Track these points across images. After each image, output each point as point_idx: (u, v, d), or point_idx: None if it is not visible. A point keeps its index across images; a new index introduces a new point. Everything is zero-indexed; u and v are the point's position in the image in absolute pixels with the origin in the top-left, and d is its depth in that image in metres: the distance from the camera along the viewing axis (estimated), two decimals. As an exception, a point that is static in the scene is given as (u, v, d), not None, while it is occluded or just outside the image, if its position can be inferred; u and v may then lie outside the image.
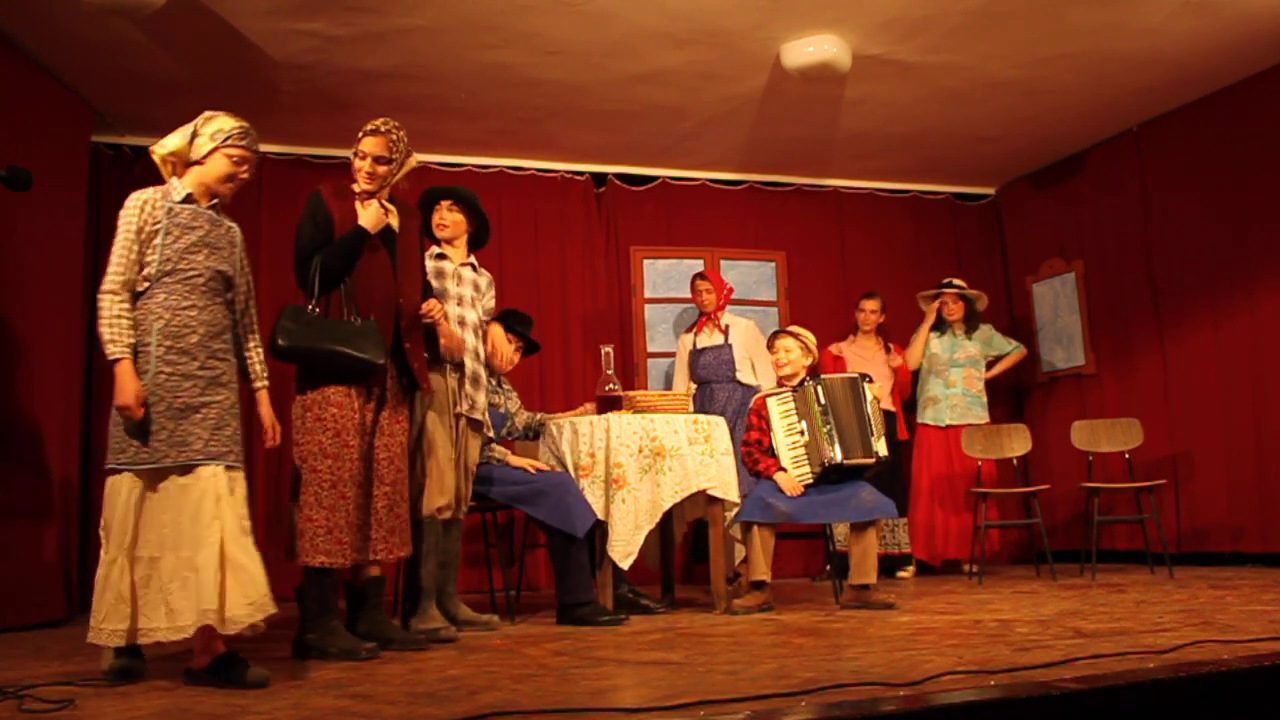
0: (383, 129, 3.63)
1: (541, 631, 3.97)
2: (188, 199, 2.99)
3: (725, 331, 5.90)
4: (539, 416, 4.95)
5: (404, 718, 2.22)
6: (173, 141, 3.04)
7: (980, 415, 6.30)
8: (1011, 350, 6.56)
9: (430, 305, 3.78)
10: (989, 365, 6.51)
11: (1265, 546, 5.58)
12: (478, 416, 4.15)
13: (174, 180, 3.03)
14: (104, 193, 5.89)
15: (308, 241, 3.54)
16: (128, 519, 2.81)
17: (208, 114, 3.08)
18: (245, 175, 3.09)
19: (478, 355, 4.21)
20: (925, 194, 7.58)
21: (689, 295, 6.25)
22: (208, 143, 3.03)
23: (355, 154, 3.66)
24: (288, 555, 3.42)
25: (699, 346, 5.92)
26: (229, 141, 3.02)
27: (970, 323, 6.46)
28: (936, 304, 6.46)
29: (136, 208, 2.96)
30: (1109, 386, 6.67)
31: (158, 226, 2.94)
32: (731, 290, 6.09)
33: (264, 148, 6.15)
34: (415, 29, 4.96)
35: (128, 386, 2.83)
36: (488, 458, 4.37)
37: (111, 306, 2.96)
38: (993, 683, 2.29)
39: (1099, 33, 5.20)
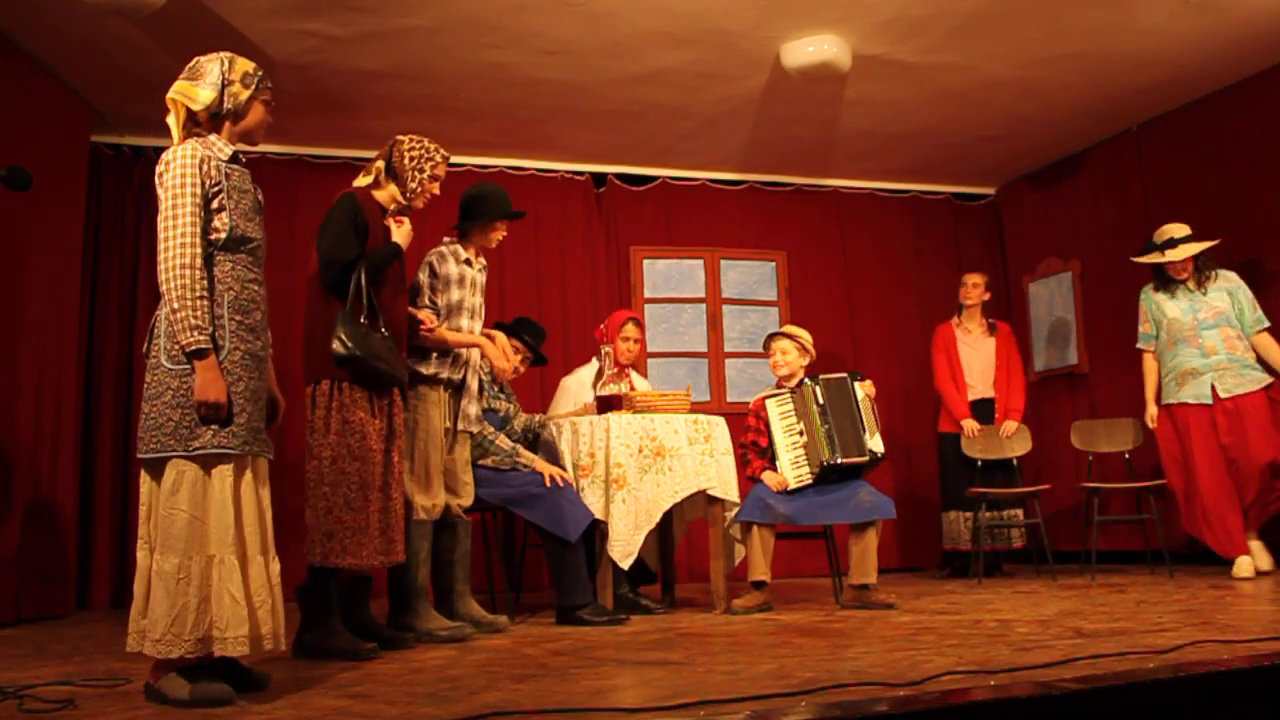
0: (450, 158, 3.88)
1: (541, 631, 3.97)
2: (234, 158, 2.70)
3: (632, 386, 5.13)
4: (538, 418, 4.94)
5: (404, 718, 2.22)
6: (206, 95, 2.68)
7: (1260, 378, 5.08)
8: (1257, 330, 5.18)
9: (429, 317, 3.89)
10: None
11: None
12: (473, 429, 4.17)
13: (210, 137, 2.69)
14: (104, 193, 5.90)
15: (351, 250, 3.49)
16: (226, 510, 2.51)
17: (220, 57, 2.74)
18: (271, 119, 2.85)
19: (479, 367, 4.26)
20: (925, 194, 7.58)
21: (686, 296, 5.99)
22: (243, 90, 2.72)
23: (429, 176, 3.76)
24: (309, 557, 3.41)
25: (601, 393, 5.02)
26: (261, 85, 2.76)
27: (1202, 274, 5.27)
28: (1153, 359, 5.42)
29: (193, 165, 2.59)
30: (1104, 386, 6.67)
31: (218, 188, 2.62)
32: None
33: (264, 148, 6.24)
34: (415, 29, 4.96)
35: (218, 381, 2.52)
36: (515, 464, 4.34)
37: (194, 285, 2.53)
38: (993, 683, 2.29)
39: (1099, 33, 5.20)
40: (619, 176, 6.94)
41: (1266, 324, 5.17)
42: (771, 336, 4.85)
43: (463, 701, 2.37)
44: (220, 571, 2.49)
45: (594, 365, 5.26)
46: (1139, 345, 5.48)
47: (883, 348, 7.21)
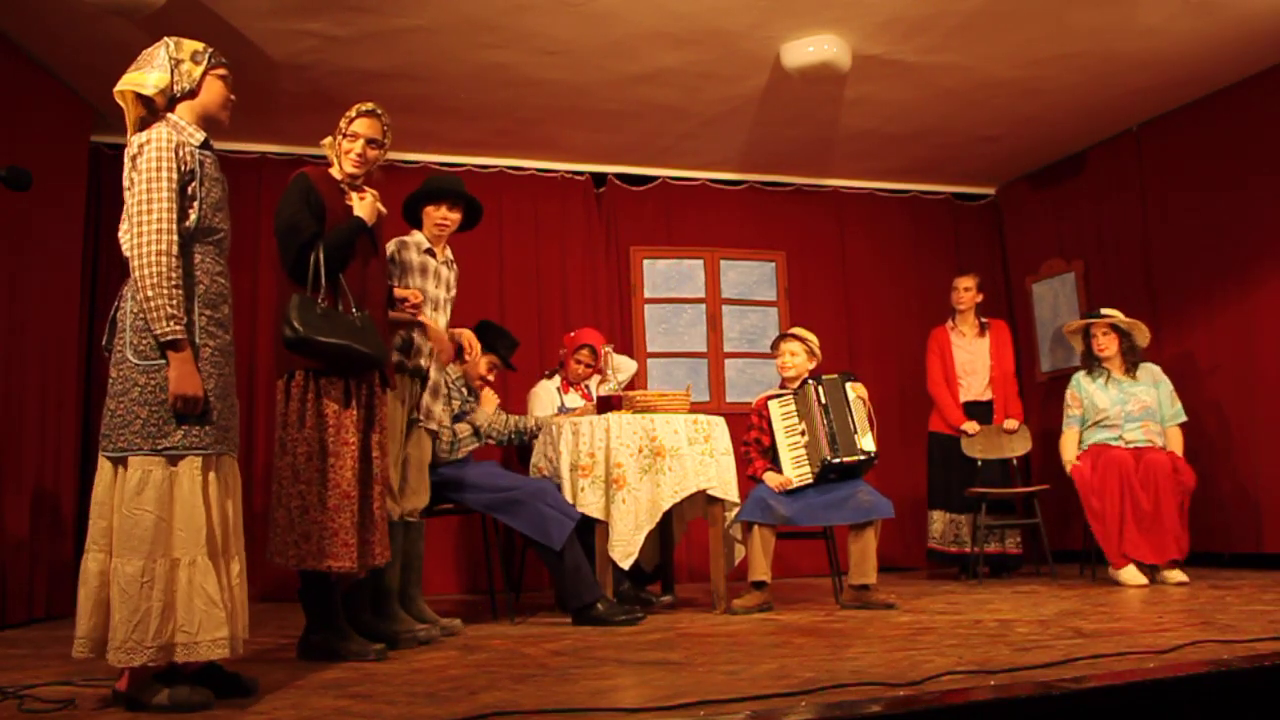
0: (377, 111, 3.52)
1: (541, 631, 3.97)
2: (206, 144, 2.63)
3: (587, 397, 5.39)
4: (533, 421, 4.93)
5: (404, 718, 2.22)
6: (156, 77, 2.61)
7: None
8: (1173, 424, 5.38)
9: (415, 294, 3.72)
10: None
11: (1263, 546, 5.58)
12: (432, 427, 4.02)
13: (179, 120, 2.62)
14: (104, 193, 5.89)
15: (306, 228, 3.30)
16: (196, 511, 2.44)
17: (164, 41, 2.68)
18: (233, 96, 2.74)
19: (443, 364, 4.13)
20: (925, 194, 7.58)
21: (686, 296, 6.10)
22: (195, 67, 2.65)
23: (344, 135, 3.49)
24: (278, 558, 3.25)
25: (567, 405, 5.32)
26: (213, 60, 2.68)
27: (1130, 359, 5.46)
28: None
29: (169, 150, 2.51)
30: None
31: (192, 175, 2.55)
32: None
33: (264, 148, 6.25)
34: (415, 29, 4.96)
35: (195, 374, 2.47)
36: (517, 429, 4.53)
37: (170, 272, 2.45)
38: (993, 683, 2.29)
39: (1099, 33, 5.20)
40: (619, 176, 6.94)
41: (1183, 418, 5.38)
42: (781, 338, 4.88)
43: (463, 701, 2.37)
44: (191, 574, 2.41)
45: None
46: (1065, 427, 5.56)
47: (882, 348, 7.20)
